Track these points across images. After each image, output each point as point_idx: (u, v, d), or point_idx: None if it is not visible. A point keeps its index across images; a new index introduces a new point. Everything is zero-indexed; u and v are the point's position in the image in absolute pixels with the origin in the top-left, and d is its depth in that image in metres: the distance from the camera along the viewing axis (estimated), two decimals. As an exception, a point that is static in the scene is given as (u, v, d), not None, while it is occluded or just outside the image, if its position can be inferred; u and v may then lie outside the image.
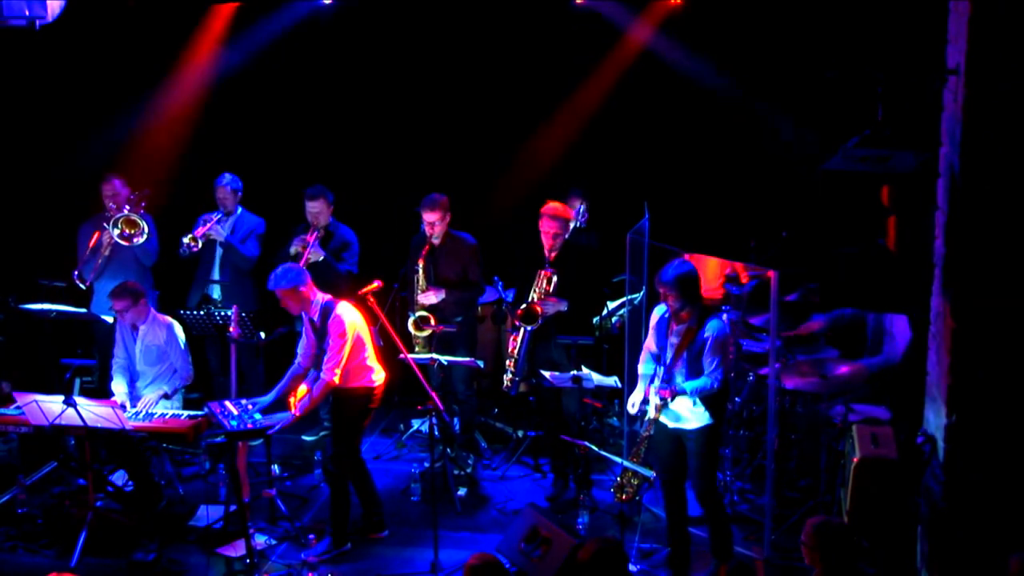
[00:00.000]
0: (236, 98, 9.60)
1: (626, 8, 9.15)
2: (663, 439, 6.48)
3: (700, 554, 6.71)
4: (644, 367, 6.59)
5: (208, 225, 8.34)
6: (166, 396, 7.51)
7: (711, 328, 6.28)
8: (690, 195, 9.16)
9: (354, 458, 7.00)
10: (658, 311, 6.53)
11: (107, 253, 8.35)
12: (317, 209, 8.14)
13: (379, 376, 6.99)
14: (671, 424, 6.43)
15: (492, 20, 9.18)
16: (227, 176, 8.50)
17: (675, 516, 6.61)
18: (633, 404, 6.49)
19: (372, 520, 7.11)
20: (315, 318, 6.88)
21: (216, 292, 8.47)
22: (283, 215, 8.64)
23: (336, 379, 6.77)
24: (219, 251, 8.43)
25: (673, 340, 6.39)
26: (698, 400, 6.30)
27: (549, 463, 8.01)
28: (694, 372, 6.31)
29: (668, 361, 6.37)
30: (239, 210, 8.54)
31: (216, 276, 8.45)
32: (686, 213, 8.87)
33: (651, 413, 6.38)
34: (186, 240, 8.30)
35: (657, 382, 6.36)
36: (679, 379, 6.33)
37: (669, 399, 6.26)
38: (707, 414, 6.33)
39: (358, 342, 6.86)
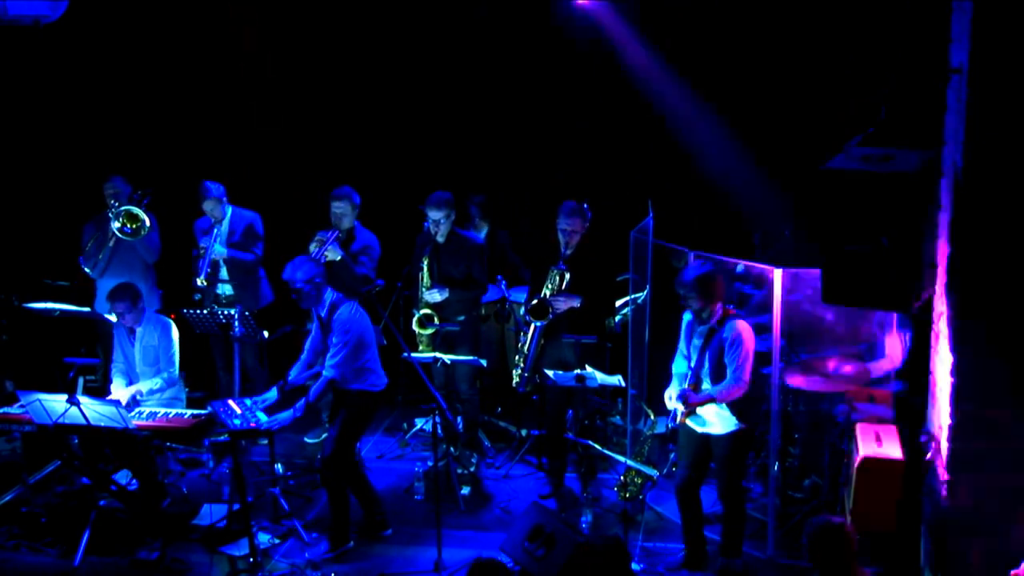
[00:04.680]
0: (238, 96, 9.61)
1: (628, 5, 9.14)
2: (690, 440, 6.52)
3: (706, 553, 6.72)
4: (676, 366, 6.59)
5: (206, 244, 8.25)
6: (140, 393, 7.44)
7: (730, 328, 6.29)
8: (693, 193, 9.15)
9: (348, 462, 6.97)
10: (688, 315, 6.53)
11: (111, 244, 8.33)
12: (341, 210, 8.07)
13: (381, 380, 6.99)
14: (699, 429, 6.46)
15: (496, 17, 9.18)
16: (208, 185, 8.27)
17: (691, 517, 6.63)
18: (670, 397, 6.50)
19: (375, 519, 7.10)
20: (323, 314, 6.89)
21: (223, 290, 8.44)
22: (283, 213, 8.63)
23: (337, 376, 6.77)
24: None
25: (697, 342, 6.41)
26: (724, 404, 6.32)
27: (548, 463, 8.01)
28: (718, 373, 6.32)
29: (694, 364, 6.39)
30: (229, 211, 8.38)
31: (223, 275, 8.42)
32: (688, 211, 8.86)
33: (679, 417, 6.42)
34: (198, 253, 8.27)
35: (683, 384, 6.40)
36: (705, 382, 6.35)
37: (690, 408, 6.30)
38: (734, 419, 6.34)
39: (362, 344, 6.85)
